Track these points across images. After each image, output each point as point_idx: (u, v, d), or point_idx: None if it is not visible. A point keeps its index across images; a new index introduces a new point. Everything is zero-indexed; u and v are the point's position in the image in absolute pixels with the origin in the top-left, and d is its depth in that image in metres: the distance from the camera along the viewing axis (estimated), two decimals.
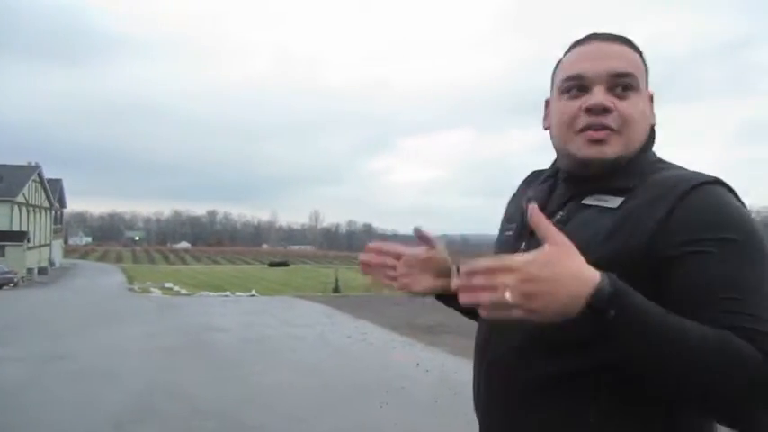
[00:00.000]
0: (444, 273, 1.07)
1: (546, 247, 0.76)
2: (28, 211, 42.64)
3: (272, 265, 67.06)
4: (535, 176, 1.16)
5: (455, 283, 0.79)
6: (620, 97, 0.94)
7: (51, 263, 45.67)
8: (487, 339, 1.02)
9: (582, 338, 0.79)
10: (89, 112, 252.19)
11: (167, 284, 29.87)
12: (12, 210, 39.33)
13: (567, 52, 1.04)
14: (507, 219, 1.15)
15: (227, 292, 24.33)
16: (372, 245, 1.10)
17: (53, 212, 50.84)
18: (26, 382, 6.13)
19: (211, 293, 23.73)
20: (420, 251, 1.07)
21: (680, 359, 0.75)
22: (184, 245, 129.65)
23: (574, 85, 0.97)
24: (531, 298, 0.73)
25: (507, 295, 0.73)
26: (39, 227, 45.10)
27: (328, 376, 6.60)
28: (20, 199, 40.36)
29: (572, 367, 0.88)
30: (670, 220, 0.85)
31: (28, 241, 38.96)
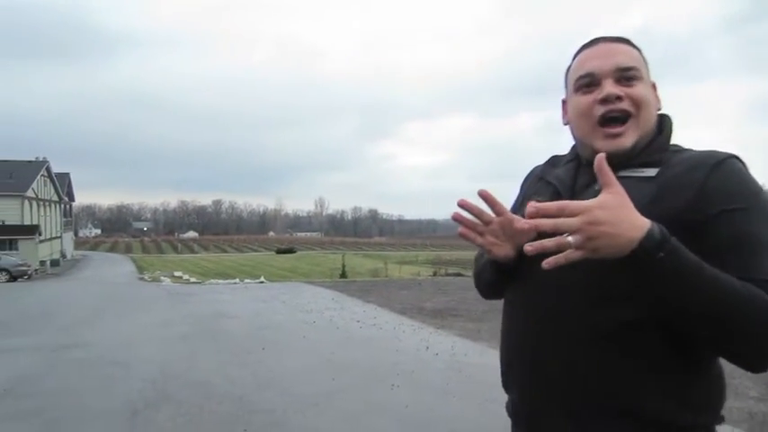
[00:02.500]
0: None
1: (605, 194, 0.86)
2: (38, 206, 42.94)
3: (279, 252, 67.49)
4: (556, 159, 1.26)
5: (522, 223, 0.92)
6: (628, 86, 1.06)
7: (63, 255, 46.07)
8: (534, 299, 1.09)
9: (632, 282, 0.90)
10: (94, 106, 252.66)
11: (177, 273, 30.14)
12: (22, 204, 39.67)
13: (575, 56, 1.16)
14: (533, 194, 1.19)
15: (237, 280, 24.51)
16: (467, 203, 1.04)
17: (62, 206, 51.17)
18: (43, 370, 6.25)
19: (221, 281, 23.90)
20: (502, 218, 1.06)
21: (714, 301, 0.88)
22: (192, 234, 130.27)
23: (586, 82, 1.09)
24: (594, 239, 0.84)
25: (571, 240, 0.84)
26: (49, 220, 45.46)
27: (339, 360, 6.68)
28: (29, 194, 40.67)
29: (623, 318, 0.98)
30: (706, 186, 0.98)
31: (39, 234, 39.27)
